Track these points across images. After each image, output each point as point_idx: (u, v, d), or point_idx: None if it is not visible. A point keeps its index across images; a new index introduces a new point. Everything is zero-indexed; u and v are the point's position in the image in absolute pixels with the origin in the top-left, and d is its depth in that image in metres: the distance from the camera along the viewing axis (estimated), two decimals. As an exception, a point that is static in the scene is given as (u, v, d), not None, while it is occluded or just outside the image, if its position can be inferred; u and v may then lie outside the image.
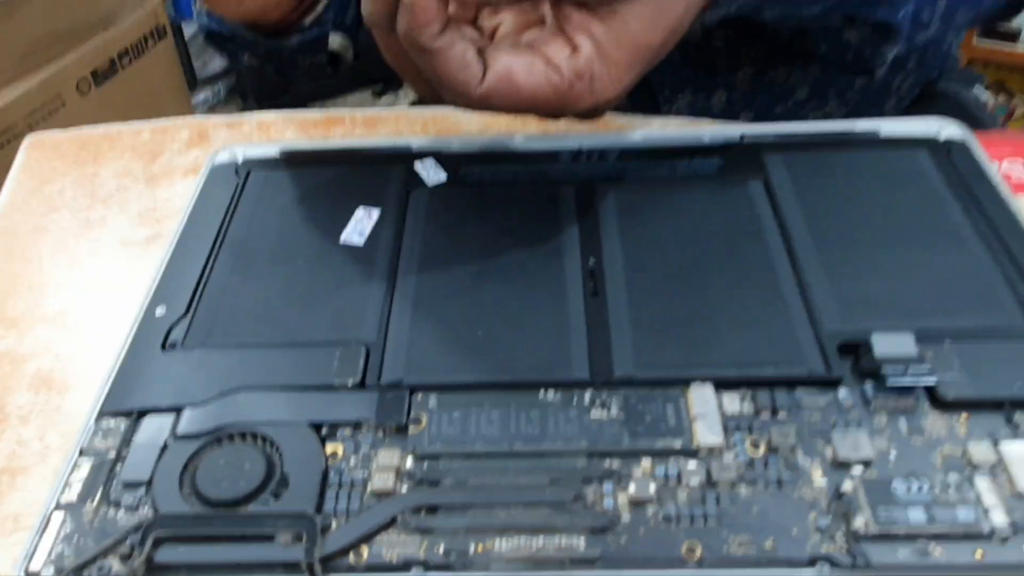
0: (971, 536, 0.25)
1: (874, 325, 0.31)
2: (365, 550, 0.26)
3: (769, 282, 0.34)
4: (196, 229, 0.39)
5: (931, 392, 0.29)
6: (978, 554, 0.25)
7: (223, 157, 0.43)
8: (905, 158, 0.40)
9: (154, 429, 0.30)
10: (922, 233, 0.36)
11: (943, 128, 0.41)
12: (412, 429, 0.30)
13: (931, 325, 0.31)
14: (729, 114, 0.54)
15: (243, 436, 0.30)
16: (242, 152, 0.43)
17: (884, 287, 0.33)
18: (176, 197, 0.45)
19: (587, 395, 0.30)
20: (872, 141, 0.40)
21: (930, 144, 0.40)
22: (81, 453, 0.30)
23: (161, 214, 0.44)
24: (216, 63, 1.68)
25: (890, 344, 0.30)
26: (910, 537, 0.26)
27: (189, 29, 1.55)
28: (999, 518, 0.26)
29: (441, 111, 0.47)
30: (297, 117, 0.49)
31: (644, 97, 0.55)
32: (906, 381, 0.29)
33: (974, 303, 0.32)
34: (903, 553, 0.25)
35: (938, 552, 0.25)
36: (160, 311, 0.35)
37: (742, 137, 0.41)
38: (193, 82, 1.58)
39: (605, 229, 0.37)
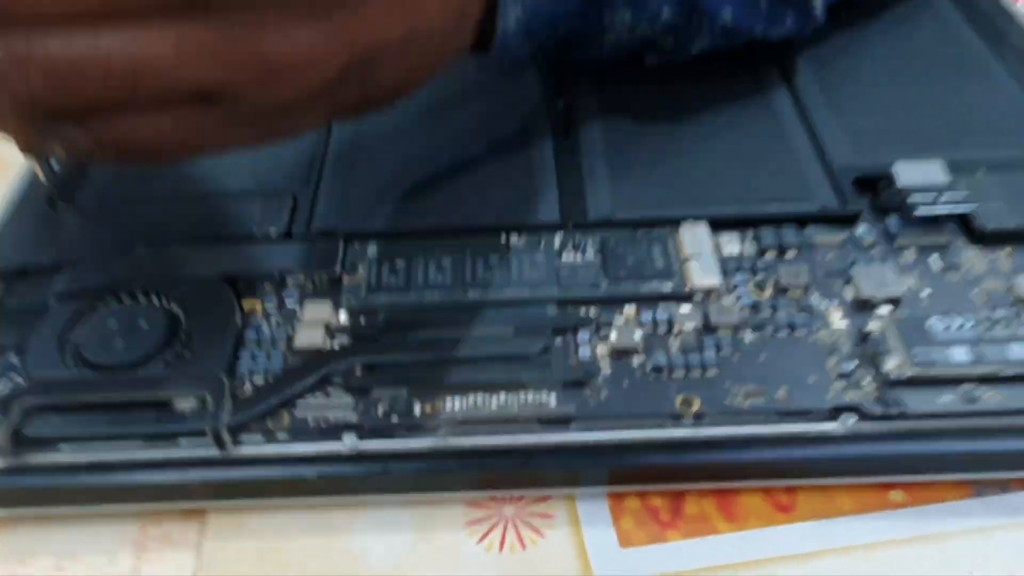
0: (1026, 377, 0.21)
1: (894, 158, 0.26)
2: (285, 415, 0.21)
3: (768, 120, 0.29)
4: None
5: (967, 224, 0.25)
6: (1037, 397, 0.21)
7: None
8: (919, -5, 0.35)
9: (30, 289, 0.25)
10: (942, 67, 0.31)
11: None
12: (347, 281, 0.24)
13: (961, 156, 0.26)
14: None
15: (141, 293, 0.24)
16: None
17: (902, 119, 0.28)
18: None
19: (557, 238, 0.25)
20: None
21: (945, -19, 0.36)
22: (-59, 321, 0.24)
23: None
24: None
25: (916, 172, 0.25)
26: (954, 380, 0.21)
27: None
28: (1059, 356, 0.21)
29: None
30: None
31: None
32: (938, 210, 0.24)
33: (1008, 134, 0.28)
34: (946, 399, 0.21)
35: (987, 396, 0.21)
36: (53, 167, 0.29)
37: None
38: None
39: (574, 71, 0.31)
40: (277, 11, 0.18)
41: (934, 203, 0.24)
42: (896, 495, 0.20)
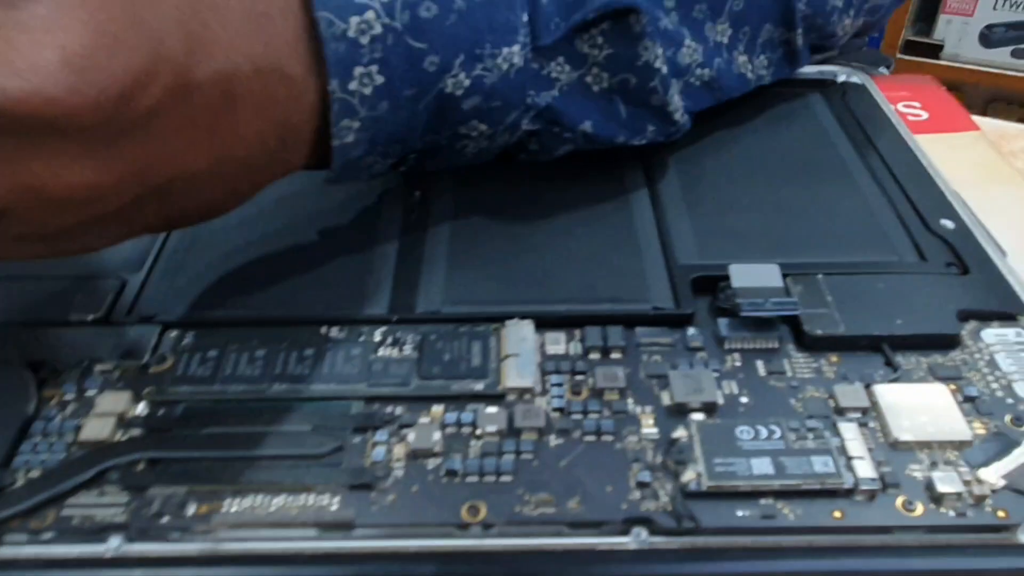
0: (829, 492, 0.20)
1: (737, 260, 0.26)
2: (52, 513, 0.20)
3: (623, 218, 0.29)
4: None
5: (796, 329, 0.24)
6: (837, 514, 0.19)
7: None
8: (797, 98, 0.35)
9: None
10: (807, 171, 0.31)
11: (840, 73, 0.37)
12: (154, 370, 0.23)
13: (804, 260, 0.26)
14: None
15: (-64, 378, 0.23)
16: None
17: (754, 222, 0.28)
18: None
19: (378, 332, 0.24)
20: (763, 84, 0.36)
21: (825, 86, 0.36)
22: None
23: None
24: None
25: (751, 275, 0.25)
26: (753, 494, 0.20)
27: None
28: (865, 470, 0.20)
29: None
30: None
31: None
32: (764, 313, 0.24)
33: (859, 240, 0.27)
34: (743, 513, 0.20)
35: (787, 511, 0.20)
36: None
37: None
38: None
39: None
40: (52, 142, 0.17)
41: (761, 307, 0.24)
42: (685, 618, 0.19)
